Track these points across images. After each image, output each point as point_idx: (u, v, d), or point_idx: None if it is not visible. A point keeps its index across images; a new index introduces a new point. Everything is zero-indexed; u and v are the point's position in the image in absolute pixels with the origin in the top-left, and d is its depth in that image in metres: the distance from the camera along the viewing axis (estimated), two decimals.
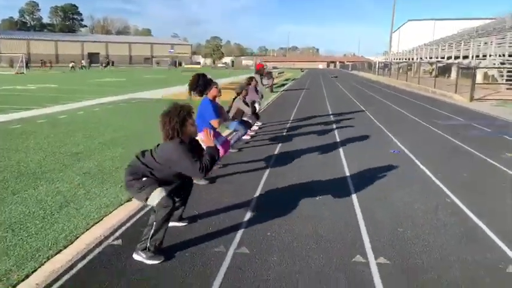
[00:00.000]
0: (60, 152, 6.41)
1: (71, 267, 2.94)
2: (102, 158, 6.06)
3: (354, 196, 4.54)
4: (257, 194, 4.58)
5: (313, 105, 14.57)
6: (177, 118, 3.04)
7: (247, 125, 7.09)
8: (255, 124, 9.48)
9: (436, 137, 8.45)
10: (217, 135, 5.20)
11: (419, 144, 7.46)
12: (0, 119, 9.79)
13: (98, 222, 3.77)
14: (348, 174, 5.54)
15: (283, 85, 27.39)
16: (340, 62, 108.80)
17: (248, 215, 3.95)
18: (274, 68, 75.74)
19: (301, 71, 66.31)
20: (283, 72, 44.44)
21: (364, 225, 3.75)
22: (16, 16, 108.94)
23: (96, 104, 13.29)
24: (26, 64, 47.91)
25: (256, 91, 8.68)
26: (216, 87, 5.07)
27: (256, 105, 9.36)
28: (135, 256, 3.04)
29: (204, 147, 3.25)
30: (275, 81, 30.94)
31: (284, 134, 8.55)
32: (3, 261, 3.01)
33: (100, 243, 3.34)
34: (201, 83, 5.00)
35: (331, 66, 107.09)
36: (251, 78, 8.55)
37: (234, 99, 7.02)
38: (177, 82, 26.06)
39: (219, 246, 3.27)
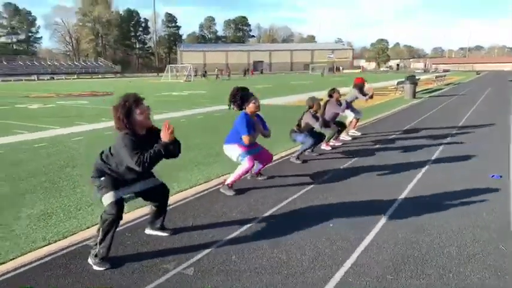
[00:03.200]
0: None
1: (36, 261, 3.22)
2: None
3: (375, 227, 3.79)
4: (269, 212, 4.23)
5: (447, 114, 12.67)
6: (122, 109, 3.01)
7: (318, 137, 6.60)
8: (350, 133, 8.82)
9: None
10: (253, 146, 5.01)
11: None
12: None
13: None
14: (401, 197, 4.67)
15: (436, 90, 24.65)
16: None
17: (236, 234, 3.69)
18: (445, 70, 68.67)
19: (477, 74, 58.59)
20: (444, 76, 39.86)
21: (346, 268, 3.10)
22: (197, 31, 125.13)
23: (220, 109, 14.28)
24: (203, 73, 54.52)
25: (340, 104, 7.82)
26: (255, 103, 4.87)
27: (349, 114, 8.68)
28: (89, 259, 3.16)
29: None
30: (430, 85, 28.29)
31: (373, 147, 7.67)
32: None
33: (83, 241, 3.57)
34: (238, 98, 4.87)
35: None
36: (332, 90, 7.80)
37: (304, 112, 6.60)
38: (317, 88, 25.99)
39: (170, 263, 3.14)
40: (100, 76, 70.48)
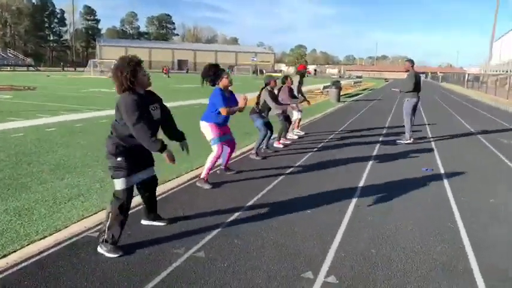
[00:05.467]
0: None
1: (40, 253, 3.25)
2: None
3: (348, 211, 4.37)
4: (251, 202, 4.61)
5: (374, 116, 14.03)
6: (128, 68, 3.12)
7: (271, 129, 7.06)
8: (294, 133, 9.46)
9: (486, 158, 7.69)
10: (225, 130, 5.34)
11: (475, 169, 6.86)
12: (79, 116, 10.93)
13: (92, 215, 4.09)
14: (360, 185, 5.36)
15: (356, 95, 26.69)
16: (432, 73, 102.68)
17: (229, 221, 4.01)
18: (358, 77, 73.88)
19: (385, 81, 63.93)
20: (360, 82, 43.12)
21: (337, 243, 3.61)
22: (118, 25, 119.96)
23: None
24: None
25: (292, 93, 8.46)
26: (227, 77, 5.20)
27: (295, 112, 9.31)
28: (99, 248, 3.28)
29: None
30: (350, 90, 30.50)
31: (319, 145, 8.38)
32: None
33: (81, 233, 3.64)
34: (211, 73, 5.16)
35: (423, 76, 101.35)
36: (286, 77, 8.43)
37: (261, 89, 7.07)
38: (249, 89, 26.64)
39: (180, 248, 3.38)
40: (10, 69, 64.41)
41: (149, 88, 3.42)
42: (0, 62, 69.05)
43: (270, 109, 7.09)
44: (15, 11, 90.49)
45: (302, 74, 9.52)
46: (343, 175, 5.95)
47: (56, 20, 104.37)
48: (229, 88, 5.36)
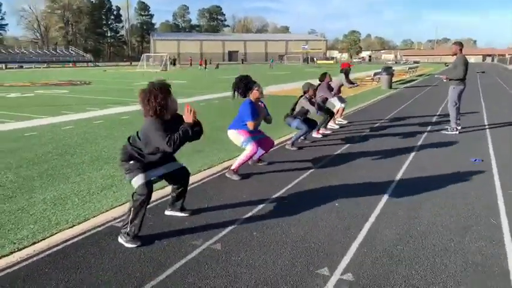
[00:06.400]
0: None
1: (66, 241, 3.37)
2: None
3: (379, 205, 4.13)
4: (277, 194, 4.50)
5: (425, 104, 13.27)
6: (162, 94, 3.20)
7: (311, 124, 6.89)
8: (337, 122, 9.16)
9: None
10: (257, 132, 5.25)
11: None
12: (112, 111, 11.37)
13: (121, 205, 4.19)
14: (397, 178, 5.06)
15: (410, 81, 25.48)
16: (499, 55, 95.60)
17: (252, 213, 3.94)
18: (415, 62, 70.62)
19: (445, 66, 60.47)
20: (417, 67, 41.06)
21: (358, 241, 3.41)
22: (171, 19, 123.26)
23: (205, 99, 14.38)
24: (174, 62, 54.18)
25: (330, 88, 8.26)
26: (258, 89, 5.10)
27: (336, 102, 9.03)
28: (119, 239, 3.34)
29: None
30: (403, 76, 29.20)
31: (361, 134, 8.05)
32: (28, 229, 3.61)
33: (107, 223, 3.74)
34: (242, 85, 5.09)
35: (488, 59, 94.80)
36: (324, 75, 8.23)
37: (300, 97, 6.89)
38: (295, 79, 26.33)
39: (198, 240, 3.37)
40: (71, 65, 68.56)
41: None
42: (63, 58, 73.73)
43: (306, 113, 6.86)
44: (76, 10, 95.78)
45: (346, 72, 9.21)
46: (381, 166, 5.66)
47: (112, 17, 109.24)
48: (261, 100, 5.25)
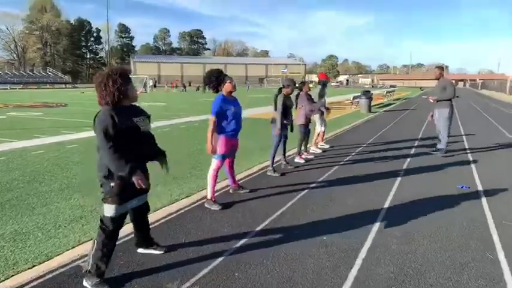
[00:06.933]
0: None
1: (22, 286, 2.97)
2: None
3: (369, 237, 3.87)
4: (260, 226, 4.20)
5: (405, 128, 13.30)
6: (121, 79, 2.84)
7: (283, 139, 6.62)
8: (319, 146, 8.97)
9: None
10: (231, 145, 4.96)
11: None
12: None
13: (89, 240, 3.81)
14: (385, 206, 4.84)
15: (389, 105, 25.79)
16: (471, 80, 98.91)
17: (233, 250, 3.62)
18: (391, 86, 72.14)
19: (421, 90, 61.99)
20: (393, 91, 41.88)
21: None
22: (151, 42, 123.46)
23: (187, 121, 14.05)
24: (154, 84, 53.88)
25: (310, 99, 7.84)
26: (230, 82, 4.84)
27: (318, 125, 8.83)
28: (84, 282, 2.97)
29: None
30: (381, 100, 29.56)
31: (344, 159, 7.85)
32: None
33: (72, 262, 3.35)
34: (213, 79, 4.83)
35: (460, 84, 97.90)
36: (303, 83, 7.93)
37: (276, 96, 6.61)
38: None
39: (174, 281, 3.03)
40: (49, 86, 67.28)
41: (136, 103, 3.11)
42: (40, 79, 72.38)
43: (290, 115, 6.61)
44: (55, 31, 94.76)
45: (324, 83, 8.96)
46: (367, 193, 5.43)
47: (92, 39, 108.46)
48: (233, 94, 4.98)
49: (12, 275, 3.16)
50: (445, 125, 8.06)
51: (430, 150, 8.58)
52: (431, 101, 8.30)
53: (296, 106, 7.55)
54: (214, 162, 4.84)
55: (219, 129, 4.80)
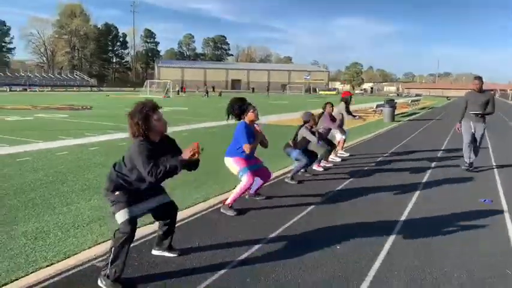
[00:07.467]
0: None
1: (39, 283, 3.06)
2: None
3: (383, 250, 3.81)
4: (274, 233, 4.19)
5: (429, 138, 13.04)
6: (140, 115, 2.96)
7: (311, 156, 6.64)
8: (338, 154, 8.91)
9: None
10: (253, 161, 5.01)
11: None
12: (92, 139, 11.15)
13: (106, 241, 3.89)
14: (403, 218, 4.76)
15: (413, 114, 25.40)
16: (501, 90, 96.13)
17: (246, 255, 3.63)
18: (417, 95, 71.04)
19: (447, 99, 60.71)
20: (419, 100, 41.21)
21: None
22: (176, 47, 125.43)
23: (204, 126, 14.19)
24: (178, 91, 54.57)
25: (333, 119, 8.06)
26: (253, 111, 4.89)
27: (337, 134, 8.80)
28: (99, 282, 3.04)
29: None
30: (406, 109, 29.13)
31: (363, 168, 7.77)
32: (1, 267, 3.31)
33: (88, 261, 3.43)
34: (236, 107, 4.88)
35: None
36: (327, 104, 8.06)
37: (300, 126, 6.66)
38: (293, 109, 26.28)
39: (185, 286, 3.05)
40: (75, 89, 69.16)
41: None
42: (68, 82, 74.49)
43: (307, 143, 6.63)
44: (82, 35, 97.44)
45: (346, 100, 9.03)
46: (385, 204, 5.36)
47: (118, 43, 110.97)
48: (256, 123, 5.03)
49: (32, 272, 3.26)
50: (480, 141, 7.73)
51: (452, 163, 8.37)
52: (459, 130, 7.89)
53: (317, 124, 7.49)
54: (245, 178, 4.80)
55: (236, 153, 4.87)
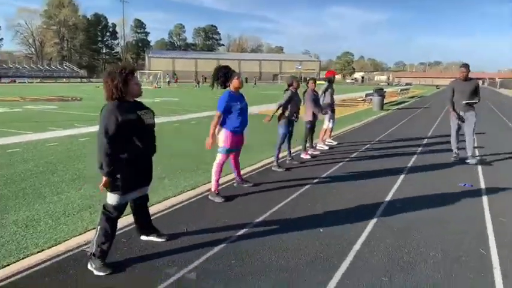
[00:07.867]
0: None
1: (30, 268, 3.17)
2: None
3: (365, 231, 3.97)
4: (261, 218, 4.33)
5: (415, 126, 13.24)
6: (120, 77, 3.01)
7: (288, 135, 6.79)
8: (326, 142, 9.05)
9: None
10: (239, 142, 5.13)
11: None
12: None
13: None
14: (386, 200, 4.95)
15: (402, 103, 25.62)
16: (490, 78, 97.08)
17: (232, 239, 3.77)
18: (407, 84, 71.46)
19: (437, 88, 61.09)
20: (408, 89, 41.50)
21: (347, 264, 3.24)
22: (166, 37, 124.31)
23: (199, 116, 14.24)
24: (168, 81, 54.22)
25: (316, 98, 7.89)
26: (237, 78, 4.97)
27: (326, 121, 8.90)
28: (88, 265, 3.15)
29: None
30: (395, 98, 29.35)
31: (350, 156, 7.92)
32: None
33: (78, 247, 3.54)
34: (221, 75, 4.96)
35: (480, 82, 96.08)
36: (309, 80, 7.87)
37: (285, 90, 6.78)
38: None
39: (172, 268, 3.18)
40: (65, 80, 68.46)
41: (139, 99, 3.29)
42: (57, 74, 73.66)
43: (297, 111, 6.76)
44: (71, 26, 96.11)
45: (330, 79, 9.00)
46: (369, 189, 5.52)
47: (108, 34, 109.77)
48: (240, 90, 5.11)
49: (23, 258, 3.36)
50: (472, 131, 7.36)
51: (438, 148, 8.55)
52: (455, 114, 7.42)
53: (303, 102, 7.64)
54: (219, 156, 4.99)
55: (225, 124, 4.94)
